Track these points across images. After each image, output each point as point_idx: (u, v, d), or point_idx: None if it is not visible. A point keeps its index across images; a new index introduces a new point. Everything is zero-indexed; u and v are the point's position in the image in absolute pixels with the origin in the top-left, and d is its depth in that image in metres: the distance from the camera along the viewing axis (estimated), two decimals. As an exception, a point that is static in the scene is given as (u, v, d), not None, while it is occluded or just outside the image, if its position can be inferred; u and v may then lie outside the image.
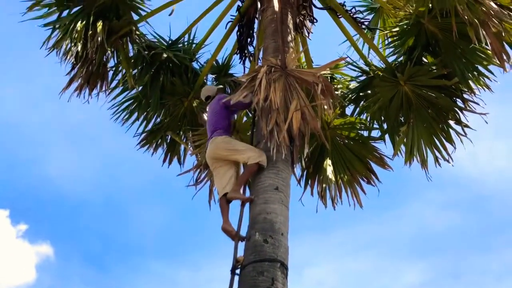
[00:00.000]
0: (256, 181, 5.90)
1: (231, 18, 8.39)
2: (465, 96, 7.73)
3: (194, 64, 8.74)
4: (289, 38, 6.95)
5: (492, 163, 17.48)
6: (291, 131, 6.01)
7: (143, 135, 8.64)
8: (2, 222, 20.01)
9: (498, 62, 7.09)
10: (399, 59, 8.07)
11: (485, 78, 7.63)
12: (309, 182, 8.32)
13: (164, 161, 8.72)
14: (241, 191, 6.02)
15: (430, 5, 7.00)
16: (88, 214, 19.16)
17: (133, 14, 7.99)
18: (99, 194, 19.53)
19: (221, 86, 7.93)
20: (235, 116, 7.37)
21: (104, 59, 8.10)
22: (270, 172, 5.88)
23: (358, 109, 8.28)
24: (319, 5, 8.25)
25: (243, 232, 5.68)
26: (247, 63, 8.47)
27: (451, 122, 7.80)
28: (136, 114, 8.64)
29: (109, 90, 8.38)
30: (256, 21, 7.56)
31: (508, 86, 7.64)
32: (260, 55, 7.13)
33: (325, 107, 6.18)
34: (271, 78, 6.08)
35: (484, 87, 7.66)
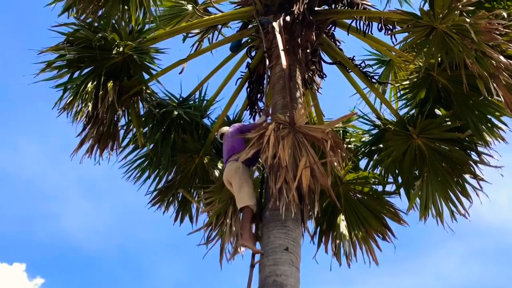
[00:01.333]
0: (265, 241, 5.77)
1: (241, 75, 8.43)
2: (479, 148, 7.60)
3: (205, 121, 8.77)
4: (298, 94, 6.93)
5: (513, 211, 17.12)
6: (300, 189, 5.91)
7: (154, 193, 8.58)
8: (19, 276, 19.95)
9: (511, 113, 6.96)
10: (411, 112, 8.00)
11: (499, 130, 7.52)
12: (323, 239, 8.14)
13: (175, 219, 8.64)
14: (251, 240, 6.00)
15: (439, 58, 6.93)
16: (104, 268, 19.02)
17: (144, 74, 8.03)
18: (114, 248, 19.42)
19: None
20: None
21: (115, 119, 8.14)
22: (280, 231, 5.75)
23: (371, 163, 8.16)
24: (328, 60, 8.26)
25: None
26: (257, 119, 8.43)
27: (466, 176, 7.64)
28: (148, 172, 8.62)
29: (121, 149, 8.38)
30: (265, 77, 7.55)
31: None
32: (270, 112, 7.10)
33: (335, 163, 6.08)
34: (279, 135, 6.03)
35: (498, 139, 7.53)
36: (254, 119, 8.44)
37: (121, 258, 19.03)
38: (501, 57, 6.14)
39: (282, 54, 6.73)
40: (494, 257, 17.68)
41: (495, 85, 6.38)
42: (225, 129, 7.31)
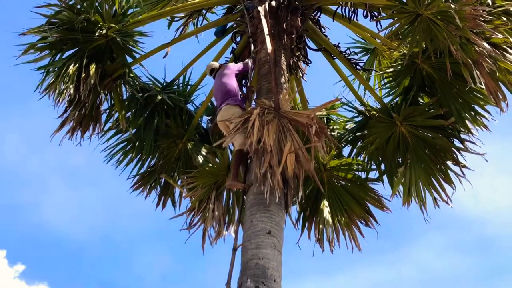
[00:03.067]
0: (248, 225, 5.76)
1: (226, 60, 8.36)
2: (462, 136, 7.64)
3: (189, 106, 8.69)
4: (283, 79, 6.90)
5: (494, 202, 17.26)
6: (285, 174, 5.90)
7: (137, 178, 8.51)
8: (-1, 262, 19.78)
9: (494, 102, 6.99)
10: (395, 100, 8.01)
11: (482, 118, 7.55)
12: (306, 225, 8.15)
13: (157, 204, 8.59)
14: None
15: (424, 45, 6.93)
16: (87, 256, 18.90)
17: (127, 57, 7.93)
18: (98, 236, 19.31)
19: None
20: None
21: (98, 102, 8.05)
22: (263, 215, 5.74)
23: (355, 150, 8.17)
24: (313, 46, 8.23)
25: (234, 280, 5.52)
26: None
27: (449, 163, 7.68)
28: (130, 157, 8.55)
29: (102, 133, 8.30)
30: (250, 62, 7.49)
31: (509, 122, 7.54)
32: (255, 97, 7.07)
33: (320, 148, 6.06)
34: (264, 120, 6.00)
35: (481, 127, 7.57)
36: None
37: (105, 247, 18.92)
38: (485, 44, 6.15)
39: (267, 38, 6.68)
40: (474, 248, 17.85)
41: (478, 72, 6.39)
42: (215, 64, 7.51)
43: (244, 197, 6.17)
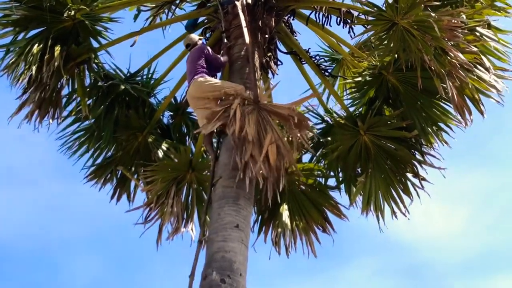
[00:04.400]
0: (215, 217, 5.62)
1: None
2: (423, 149, 7.75)
3: (152, 100, 8.50)
4: (256, 76, 6.83)
5: (427, 228, 17.59)
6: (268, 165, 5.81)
7: (92, 168, 8.23)
8: None
9: (459, 116, 7.13)
10: (360, 109, 8.07)
11: (442, 133, 7.70)
12: (263, 228, 8.05)
13: (112, 197, 8.33)
14: None
15: (396, 55, 7.01)
16: (14, 259, 17.97)
17: (93, 42, 7.69)
18: (28, 239, 18.42)
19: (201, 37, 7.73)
20: None
21: (59, 86, 7.74)
22: (231, 209, 5.62)
23: (316, 155, 8.16)
24: (283, 49, 8.21)
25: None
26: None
27: (409, 175, 7.77)
28: (86, 147, 8.26)
29: (61, 119, 7.98)
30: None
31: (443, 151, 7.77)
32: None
33: (302, 140, 6.01)
34: (245, 110, 5.91)
35: (442, 142, 7.72)
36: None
37: (35, 250, 18.03)
38: (460, 55, 6.27)
39: (245, 31, 6.62)
40: (404, 274, 18.07)
41: (450, 84, 6.50)
42: (195, 38, 7.30)
43: (212, 189, 6.01)
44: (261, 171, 5.68)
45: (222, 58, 6.96)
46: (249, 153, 5.66)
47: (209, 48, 7.02)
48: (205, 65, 6.73)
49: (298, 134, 5.92)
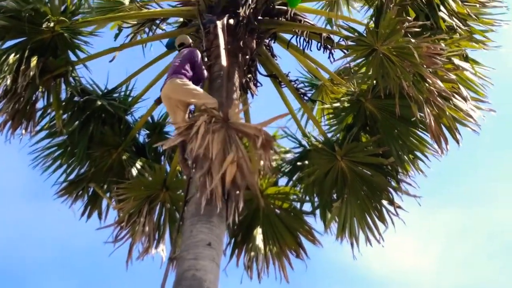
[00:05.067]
0: (187, 235, 5.48)
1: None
2: (399, 177, 7.74)
3: (128, 117, 8.40)
4: (235, 95, 6.78)
5: (399, 263, 17.51)
6: (224, 184, 5.70)
7: (64, 184, 8.05)
8: None
9: (436, 144, 7.15)
10: (337, 135, 8.06)
11: (418, 162, 7.71)
12: (236, 251, 7.92)
13: (82, 214, 8.15)
14: None
15: (375, 81, 7.03)
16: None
17: (72, 55, 7.59)
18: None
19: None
20: None
21: (34, 98, 7.61)
22: (204, 226, 5.48)
23: (293, 179, 8.09)
24: (264, 71, 8.20)
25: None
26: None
27: (385, 202, 7.74)
28: (59, 162, 8.11)
29: (35, 132, 7.83)
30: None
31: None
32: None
33: (265, 161, 5.91)
34: (210, 128, 5.82)
35: (419, 171, 7.73)
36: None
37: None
38: (439, 82, 6.30)
39: (222, 52, 6.59)
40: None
41: (428, 111, 6.52)
42: (189, 40, 7.27)
43: (185, 207, 5.89)
44: (219, 189, 5.54)
45: (205, 72, 6.89)
46: (205, 170, 5.56)
47: (200, 55, 6.91)
48: (190, 71, 6.64)
49: (262, 155, 5.78)
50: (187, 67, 6.65)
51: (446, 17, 6.69)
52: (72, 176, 8.12)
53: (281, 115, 6.23)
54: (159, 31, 8.60)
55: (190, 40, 7.28)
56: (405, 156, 7.66)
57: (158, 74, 8.22)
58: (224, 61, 6.63)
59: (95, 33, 7.69)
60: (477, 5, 7.05)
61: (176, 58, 6.89)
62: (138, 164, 8.05)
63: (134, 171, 8.00)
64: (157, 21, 8.44)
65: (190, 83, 6.52)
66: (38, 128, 7.94)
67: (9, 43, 7.37)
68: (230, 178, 5.67)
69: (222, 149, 5.82)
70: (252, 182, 5.85)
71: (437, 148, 7.27)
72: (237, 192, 5.76)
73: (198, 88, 6.59)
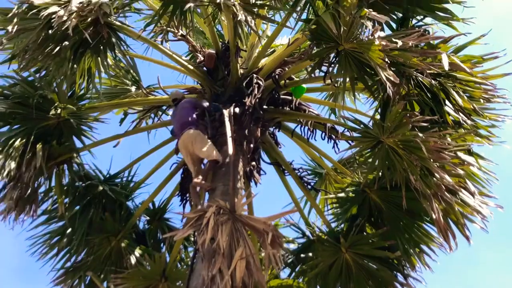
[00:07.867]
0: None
1: (177, 160, 8.13)
2: (406, 271, 7.52)
3: (129, 203, 8.28)
4: (239, 184, 6.69)
5: None
6: (233, 281, 5.48)
7: (61, 271, 7.82)
8: None
9: (442, 239, 6.97)
10: (341, 226, 7.91)
11: (425, 256, 7.51)
12: None
13: (79, 305, 7.84)
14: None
15: (381, 173, 6.95)
16: None
17: (76, 140, 7.59)
18: None
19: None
20: None
21: (36, 184, 7.53)
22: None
23: (296, 271, 7.86)
24: (267, 159, 8.16)
25: None
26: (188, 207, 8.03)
27: (391, 298, 7.47)
28: (56, 249, 7.92)
29: (36, 216, 7.71)
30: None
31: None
32: (207, 197, 6.76)
33: (275, 259, 5.71)
34: (219, 220, 5.67)
35: (425, 266, 7.52)
36: (184, 207, 8.01)
37: None
38: (447, 176, 6.21)
39: (230, 141, 6.55)
40: None
41: (436, 205, 6.39)
42: (180, 94, 7.64)
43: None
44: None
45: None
46: (217, 266, 5.34)
47: (193, 100, 7.38)
48: (194, 118, 7.03)
49: (270, 252, 5.58)
50: (194, 115, 7.05)
51: (452, 112, 6.67)
52: (69, 264, 7.90)
53: (290, 211, 6.11)
54: (164, 117, 8.66)
55: (181, 94, 7.63)
56: (411, 250, 7.47)
57: (162, 159, 8.20)
58: (230, 149, 6.57)
59: (100, 119, 7.69)
60: (482, 100, 7.05)
61: (178, 113, 7.15)
62: (137, 252, 7.87)
63: (133, 259, 7.81)
64: (163, 107, 8.47)
65: (201, 134, 6.88)
66: (39, 212, 7.82)
67: (15, 126, 7.36)
68: (240, 275, 5.45)
69: (229, 242, 5.64)
70: (260, 280, 5.62)
71: (443, 242, 7.10)
72: None
73: (205, 140, 6.87)
